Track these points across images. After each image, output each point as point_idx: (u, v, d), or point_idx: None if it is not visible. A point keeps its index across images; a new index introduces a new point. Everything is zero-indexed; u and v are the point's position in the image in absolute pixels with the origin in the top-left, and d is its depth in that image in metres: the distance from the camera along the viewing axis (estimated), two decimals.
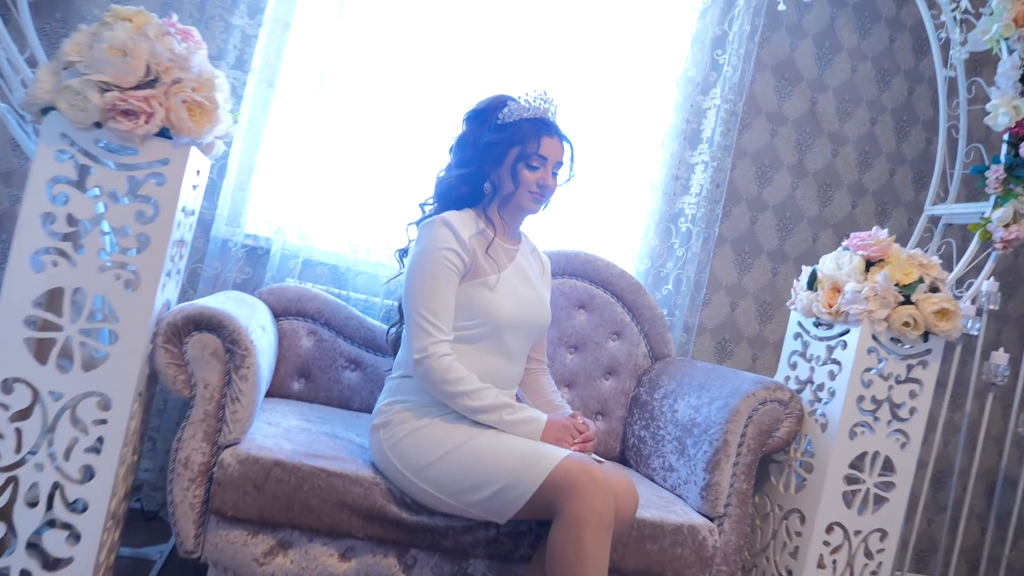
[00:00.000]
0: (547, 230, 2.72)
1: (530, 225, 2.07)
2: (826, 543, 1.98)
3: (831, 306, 2.02)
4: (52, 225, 1.53)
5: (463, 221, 1.82)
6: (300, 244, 2.52)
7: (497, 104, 1.87)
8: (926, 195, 3.31)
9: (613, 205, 2.87)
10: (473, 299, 1.77)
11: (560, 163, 1.86)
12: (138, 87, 1.51)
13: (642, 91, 2.85)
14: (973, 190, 2.96)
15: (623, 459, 2.55)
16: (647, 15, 2.84)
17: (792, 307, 2.20)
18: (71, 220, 1.54)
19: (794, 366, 2.20)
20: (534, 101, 1.84)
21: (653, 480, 2.32)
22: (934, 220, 2.80)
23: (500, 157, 1.83)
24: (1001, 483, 2.97)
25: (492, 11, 2.70)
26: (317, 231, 2.55)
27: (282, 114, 2.51)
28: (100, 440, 1.58)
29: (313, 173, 2.51)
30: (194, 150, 1.62)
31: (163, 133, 1.56)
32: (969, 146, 2.71)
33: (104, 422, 1.58)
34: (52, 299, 1.57)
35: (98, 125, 1.52)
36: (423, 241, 1.78)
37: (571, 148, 1.90)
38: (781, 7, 2.57)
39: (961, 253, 2.53)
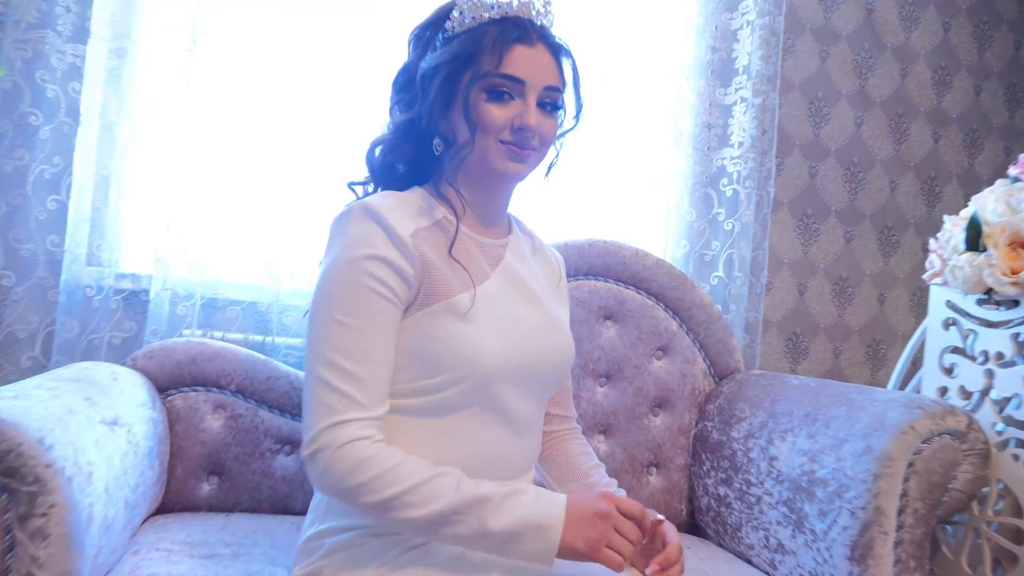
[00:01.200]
0: (540, 216, 1.95)
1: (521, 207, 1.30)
2: None
3: (1017, 272, 1.25)
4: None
5: (404, 207, 1.06)
6: (195, 279, 1.74)
7: (448, 8, 1.10)
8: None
9: (629, 171, 2.11)
10: (434, 337, 1.01)
11: (553, 89, 1.08)
12: None
13: (649, 18, 2.08)
14: None
15: (693, 526, 1.78)
16: None
17: (938, 281, 1.42)
18: None
19: (949, 369, 1.42)
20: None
21: (751, 562, 1.55)
22: None
23: (450, 90, 1.06)
24: None
25: None
26: (219, 257, 1.78)
27: (145, 96, 1.74)
28: None
29: (202, 175, 1.74)
30: None
31: None
32: None
33: None
34: None
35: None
36: (333, 250, 1.02)
37: (572, 64, 1.13)
38: None
39: None
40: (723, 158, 2.15)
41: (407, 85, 1.13)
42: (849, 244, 2.40)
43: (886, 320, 2.43)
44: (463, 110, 1.04)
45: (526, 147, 1.06)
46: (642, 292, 1.87)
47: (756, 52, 2.12)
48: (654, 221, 2.16)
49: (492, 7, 1.06)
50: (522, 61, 1.05)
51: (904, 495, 1.26)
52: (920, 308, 2.45)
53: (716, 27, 2.15)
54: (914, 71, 2.47)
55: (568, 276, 1.74)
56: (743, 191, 2.11)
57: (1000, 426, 1.33)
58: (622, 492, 1.16)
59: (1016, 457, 1.29)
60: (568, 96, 1.13)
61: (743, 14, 2.14)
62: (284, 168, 1.82)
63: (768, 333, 2.29)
